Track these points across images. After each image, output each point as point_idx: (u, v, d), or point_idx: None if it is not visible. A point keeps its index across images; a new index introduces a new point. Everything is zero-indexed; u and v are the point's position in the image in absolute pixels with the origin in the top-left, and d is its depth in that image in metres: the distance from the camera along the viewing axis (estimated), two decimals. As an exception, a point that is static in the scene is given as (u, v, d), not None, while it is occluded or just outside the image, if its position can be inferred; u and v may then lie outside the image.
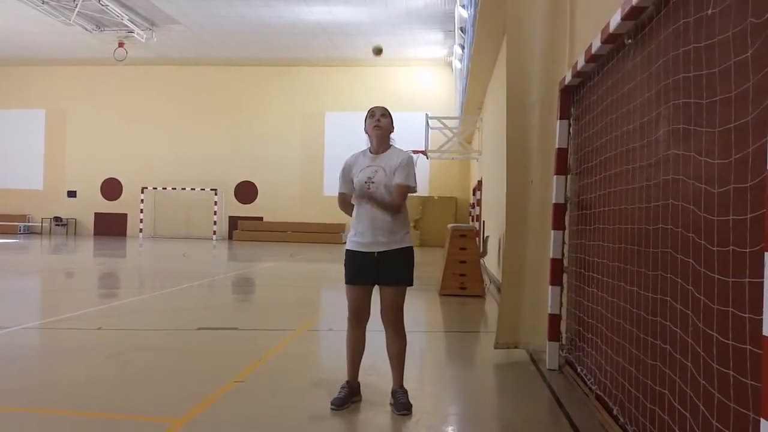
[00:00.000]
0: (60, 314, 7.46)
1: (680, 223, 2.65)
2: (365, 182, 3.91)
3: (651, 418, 2.94)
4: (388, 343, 4.01)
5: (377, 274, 3.89)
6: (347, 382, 4.00)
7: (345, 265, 3.98)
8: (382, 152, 3.99)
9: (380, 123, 3.96)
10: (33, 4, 20.52)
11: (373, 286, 3.96)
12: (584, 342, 4.39)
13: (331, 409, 3.82)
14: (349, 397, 3.93)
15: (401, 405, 3.81)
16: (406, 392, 3.93)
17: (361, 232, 3.92)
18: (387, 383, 4.07)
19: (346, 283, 3.97)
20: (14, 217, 29.62)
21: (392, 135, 4.07)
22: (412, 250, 4.00)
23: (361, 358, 4.05)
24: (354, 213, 3.99)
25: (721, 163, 2.28)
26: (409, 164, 3.92)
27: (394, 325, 3.96)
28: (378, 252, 3.87)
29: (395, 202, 3.88)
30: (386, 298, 3.93)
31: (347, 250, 4.00)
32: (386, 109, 4.06)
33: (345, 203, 4.12)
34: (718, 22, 2.31)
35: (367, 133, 4.02)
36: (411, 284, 3.98)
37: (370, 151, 4.03)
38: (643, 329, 3.08)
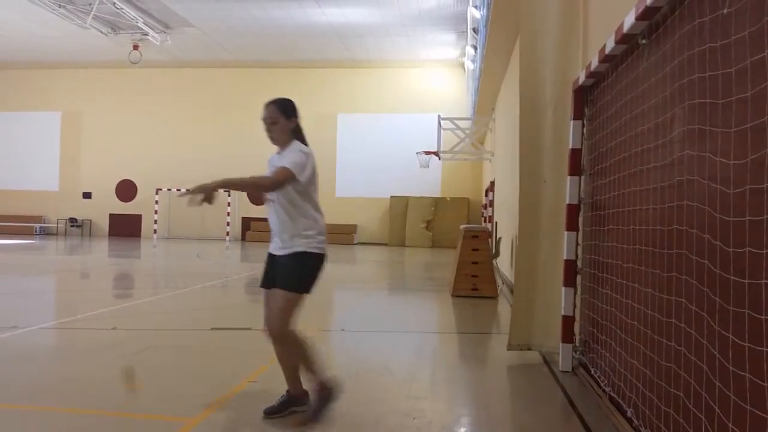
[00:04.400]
0: (76, 314, 7.53)
1: (695, 225, 2.63)
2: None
3: (665, 421, 2.92)
4: (275, 350, 3.72)
5: (273, 277, 3.64)
6: (287, 390, 3.78)
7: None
8: (284, 150, 3.67)
9: (270, 134, 3.67)
10: (49, 8, 20.74)
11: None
12: (598, 344, 4.37)
13: (263, 417, 3.67)
14: (285, 407, 3.73)
15: (270, 408, 3.71)
16: (286, 396, 3.76)
17: (271, 233, 3.68)
18: (400, 384, 4.08)
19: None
20: (30, 218, 29.95)
21: (292, 128, 3.70)
22: (307, 256, 3.55)
23: (290, 364, 3.75)
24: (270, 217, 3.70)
25: (736, 163, 2.26)
26: (292, 151, 3.57)
27: (272, 336, 3.60)
28: (277, 255, 3.64)
29: (262, 178, 3.52)
30: (270, 302, 3.62)
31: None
32: (276, 108, 3.67)
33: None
34: (734, 21, 2.30)
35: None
36: (294, 290, 3.53)
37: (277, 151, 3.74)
38: (658, 331, 3.06)
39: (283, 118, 3.67)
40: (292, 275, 3.53)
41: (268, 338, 3.62)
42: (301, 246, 3.55)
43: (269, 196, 3.61)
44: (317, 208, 3.71)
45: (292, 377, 3.76)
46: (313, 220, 3.63)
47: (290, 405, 3.74)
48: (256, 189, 3.66)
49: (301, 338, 3.64)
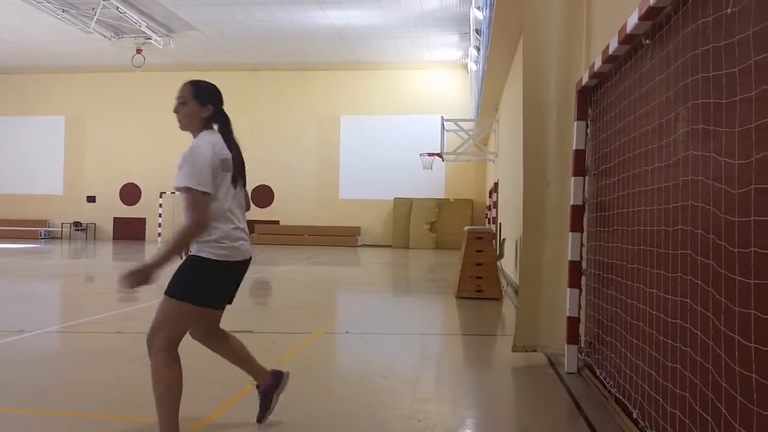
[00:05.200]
0: (81, 318, 7.55)
1: (700, 225, 2.62)
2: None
3: (671, 422, 2.91)
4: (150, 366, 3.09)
5: None
6: (256, 385, 3.64)
7: None
8: (193, 139, 3.19)
9: (178, 115, 3.24)
10: (53, 12, 20.84)
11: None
12: (603, 345, 4.36)
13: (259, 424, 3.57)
14: (266, 403, 3.62)
15: None
16: (259, 390, 3.61)
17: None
18: (404, 386, 4.07)
19: None
20: (35, 222, 30.06)
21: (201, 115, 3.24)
22: (198, 260, 3.07)
23: (241, 358, 3.54)
24: None
25: (741, 163, 2.25)
26: (187, 158, 3.01)
27: (148, 340, 3.10)
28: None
29: (185, 225, 2.93)
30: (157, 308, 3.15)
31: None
32: (188, 89, 3.21)
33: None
34: (738, 21, 2.29)
35: None
36: (177, 297, 3.04)
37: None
38: (663, 332, 3.05)
39: (194, 102, 3.16)
40: (173, 280, 3.06)
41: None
42: (194, 249, 3.07)
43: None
44: (221, 211, 3.12)
45: (249, 369, 3.52)
46: (213, 226, 3.05)
47: (270, 395, 3.59)
48: (190, 240, 3.02)
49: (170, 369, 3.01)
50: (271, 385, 3.64)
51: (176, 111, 3.20)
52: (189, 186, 2.93)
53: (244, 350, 3.59)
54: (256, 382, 3.66)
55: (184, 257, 3.08)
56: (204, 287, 3.08)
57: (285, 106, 29.09)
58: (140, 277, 2.84)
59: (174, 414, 3.01)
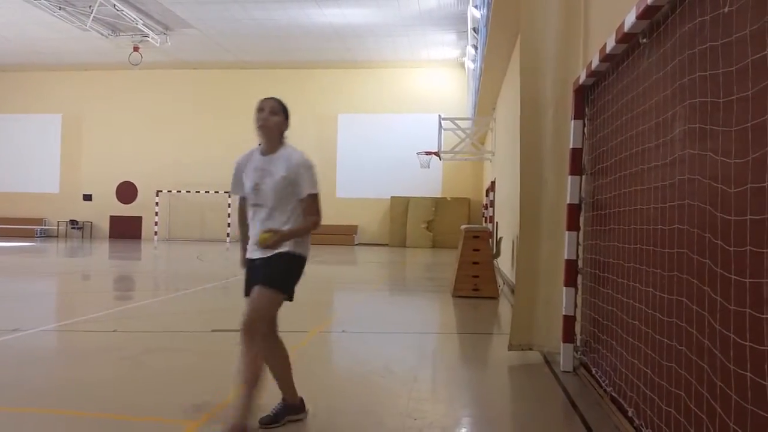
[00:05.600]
0: (76, 317, 7.53)
1: (696, 224, 2.62)
2: (253, 188, 3.48)
3: (666, 421, 2.91)
4: (242, 352, 3.46)
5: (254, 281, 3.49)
6: (282, 399, 3.65)
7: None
8: (273, 153, 3.52)
9: (267, 123, 3.48)
10: (50, 10, 20.78)
11: None
12: (599, 343, 4.36)
13: (259, 427, 3.49)
14: (281, 416, 3.58)
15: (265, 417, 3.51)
16: (283, 402, 3.64)
17: (252, 239, 3.52)
18: (401, 385, 4.07)
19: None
20: (31, 221, 29.99)
21: (286, 133, 3.60)
22: (292, 257, 3.45)
23: (283, 371, 3.63)
24: (250, 221, 3.57)
25: (737, 162, 2.25)
26: (308, 169, 3.48)
27: (246, 326, 3.44)
28: (259, 259, 3.47)
29: (314, 220, 3.48)
30: (251, 297, 3.48)
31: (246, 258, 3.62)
32: (278, 104, 3.54)
33: (241, 209, 3.69)
34: (735, 20, 2.29)
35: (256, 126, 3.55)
36: (277, 288, 3.42)
37: (260, 151, 3.58)
38: (659, 330, 3.06)
39: (282, 115, 3.55)
40: (274, 272, 3.42)
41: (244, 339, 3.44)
42: (286, 246, 3.44)
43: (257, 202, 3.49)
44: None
45: (285, 385, 3.63)
46: (294, 224, 3.51)
47: (286, 414, 3.60)
48: (308, 234, 3.54)
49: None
50: (293, 406, 3.65)
51: (267, 120, 3.49)
52: (315, 192, 3.50)
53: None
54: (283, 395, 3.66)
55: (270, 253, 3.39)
56: (295, 281, 3.52)
57: (282, 104, 29.06)
58: (279, 239, 3.33)
59: (289, 378, 3.61)
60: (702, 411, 2.50)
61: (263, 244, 3.32)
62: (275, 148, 3.54)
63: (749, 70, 2.17)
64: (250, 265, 3.55)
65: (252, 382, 3.33)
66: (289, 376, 3.65)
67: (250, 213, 3.56)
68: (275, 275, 3.41)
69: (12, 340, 5.96)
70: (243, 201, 3.70)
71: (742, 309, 2.17)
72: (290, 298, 3.51)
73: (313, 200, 3.49)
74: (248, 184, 3.53)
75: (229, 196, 28.69)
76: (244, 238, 3.68)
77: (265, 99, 3.56)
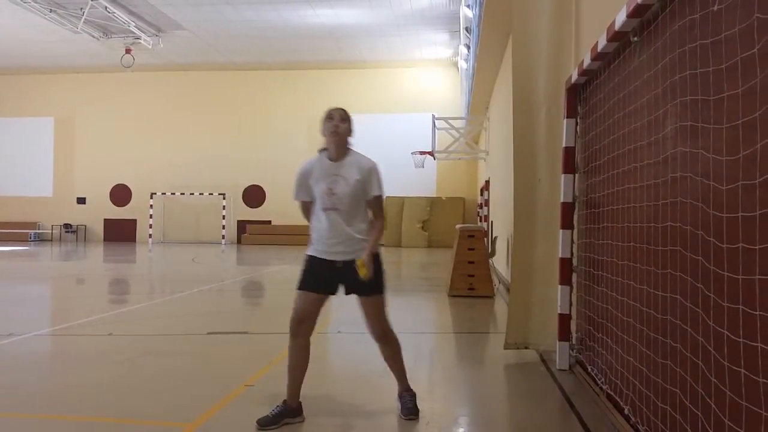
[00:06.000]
0: (71, 320, 7.50)
1: (689, 221, 2.63)
2: (325, 193, 3.68)
3: (662, 418, 2.92)
4: (381, 353, 3.92)
5: (342, 284, 3.73)
6: (284, 401, 3.70)
7: (304, 270, 3.77)
8: (342, 159, 3.74)
9: (339, 129, 3.71)
10: (41, 13, 20.70)
11: (329, 296, 3.78)
12: (594, 341, 4.38)
13: (256, 428, 3.55)
14: (280, 417, 3.62)
15: (407, 409, 3.75)
16: (413, 396, 3.85)
17: (325, 241, 3.70)
18: (397, 384, 4.06)
19: (299, 288, 3.74)
20: (25, 225, 29.87)
21: (350, 139, 3.83)
22: (379, 257, 3.77)
23: (302, 373, 3.76)
24: (318, 219, 3.75)
25: (729, 160, 2.26)
26: (377, 172, 3.76)
27: (380, 336, 3.83)
28: (344, 262, 3.67)
29: (381, 222, 3.80)
30: (367, 312, 3.78)
31: (310, 255, 3.78)
32: (345, 112, 3.81)
33: (306, 210, 3.88)
34: (725, 18, 2.30)
35: (324, 136, 3.77)
36: (383, 291, 3.80)
37: (328, 157, 3.77)
38: (654, 328, 3.07)
39: (350, 123, 3.82)
40: (377, 278, 3.73)
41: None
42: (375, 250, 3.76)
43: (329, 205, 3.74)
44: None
45: (401, 373, 3.89)
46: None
47: (284, 416, 3.64)
48: (382, 233, 3.83)
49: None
50: (293, 409, 3.72)
51: (338, 127, 3.73)
52: (381, 194, 3.76)
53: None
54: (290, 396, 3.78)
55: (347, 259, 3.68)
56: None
57: (275, 105, 29.04)
58: (370, 260, 3.61)
59: (299, 383, 3.79)
60: (697, 408, 2.52)
61: (367, 278, 3.61)
62: (343, 154, 3.76)
63: (739, 67, 2.18)
64: (329, 266, 3.71)
65: (401, 360, 3.89)
66: (301, 380, 3.75)
67: (320, 216, 3.73)
68: (377, 283, 3.73)
69: (6, 344, 5.94)
70: (305, 204, 3.88)
71: (735, 306, 2.18)
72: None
73: (379, 201, 3.78)
74: (319, 188, 3.72)
75: (224, 198, 28.67)
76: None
77: (332, 108, 3.82)
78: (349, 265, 3.65)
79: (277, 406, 3.67)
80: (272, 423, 3.58)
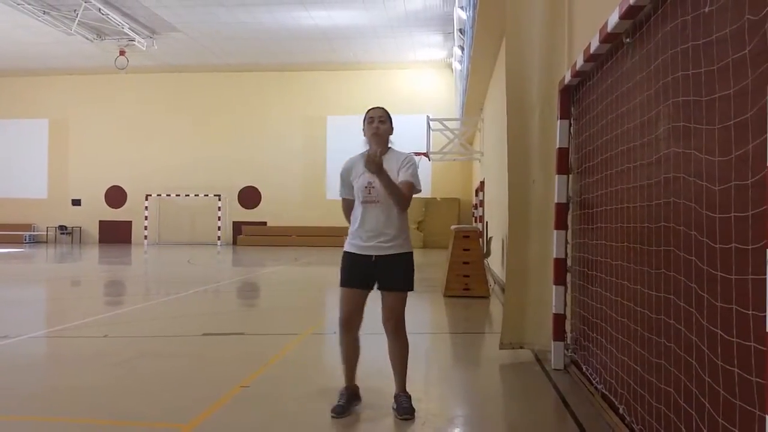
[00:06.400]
0: (66, 322, 7.48)
1: (682, 221, 2.65)
2: (365, 187, 3.83)
3: (657, 417, 2.94)
4: (390, 348, 3.96)
5: (375, 278, 3.85)
6: (345, 387, 3.95)
7: (342, 267, 3.93)
8: (382, 155, 3.85)
9: (379, 130, 3.89)
10: (34, 14, 20.63)
11: (369, 290, 3.91)
12: (589, 341, 4.39)
13: (332, 417, 3.77)
14: (350, 404, 3.89)
15: (403, 409, 3.78)
16: (409, 397, 3.89)
17: (361, 235, 3.85)
18: (392, 385, 4.06)
19: (341, 285, 3.92)
20: (19, 227, 29.74)
21: (391, 137, 3.99)
22: (412, 256, 3.94)
23: (356, 362, 3.99)
24: (354, 215, 3.92)
25: (721, 160, 2.28)
26: (412, 164, 3.87)
27: (393, 330, 3.90)
28: (377, 256, 3.80)
29: (404, 192, 3.78)
30: (387, 304, 3.87)
31: (346, 252, 3.93)
32: (385, 112, 3.97)
33: (348, 208, 4.04)
34: (716, 19, 2.32)
35: (365, 136, 3.95)
36: (411, 289, 3.91)
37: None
38: (648, 328, 3.08)
39: (390, 122, 3.97)
40: (407, 276, 3.89)
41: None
42: (406, 247, 3.92)
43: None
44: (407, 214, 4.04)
45: (403, 375, 3.95)
46: (407, 222, 4.01)
47: (353, 401, 3.92)
48: (397, 198, 3.76)
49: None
50: (355, 393, 4.01)
51: (379, 127, 3.90)
52: (415, 183, 3.82)
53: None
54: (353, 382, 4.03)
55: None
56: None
57: (270, 107, 29.00)
58: (379, 171, 3.62)
59: (354, 370, 4.01)
60: (691, 407, 2.53)
61: (372, 168, 3.61)
62: (384, 151, 3.88)
63: (730, 68, 2.20)
64: (365, 261, 3.83)
65: (407, 357, 3.94)
66: (355, 368, 3.99)
67: (358, 210, 3.88)
68: (407, 281, 3.88)
69: (1, 346, 5.92)
70: (346, 202, 4.06)
71: (728, 305, 2.19)
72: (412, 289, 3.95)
73: (409, 186, 3.79)
74: (359, 183, 3.87)
75: (219, 199, 28.63)
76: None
77: (373, 108, 3.99)
78: (383, 260, 3.79)
79: (342, 394, 3.91)
80: (346, 409, 3.82)
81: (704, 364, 2.40)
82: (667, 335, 2.82)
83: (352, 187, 3.94)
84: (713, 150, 2.35)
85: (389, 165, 3.81)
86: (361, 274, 3.86)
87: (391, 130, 3.97)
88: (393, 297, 3.86)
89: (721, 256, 2.27)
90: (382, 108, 4.00)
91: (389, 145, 3.97)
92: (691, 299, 2.54)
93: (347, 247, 3.93)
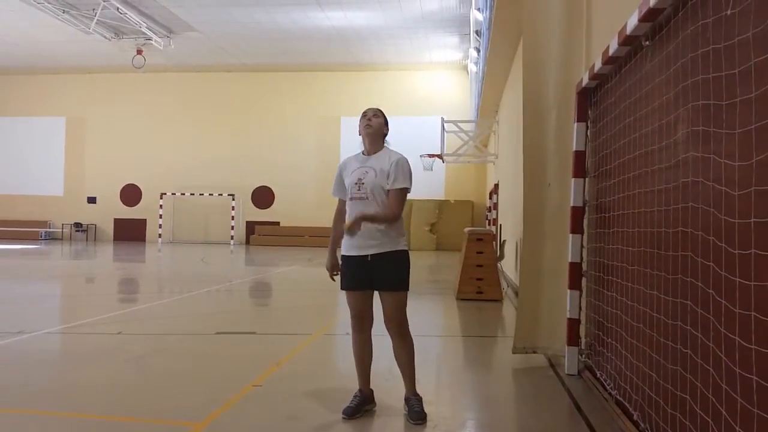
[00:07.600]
0: (81, 319, 7.55)
1: (700, 226, 2.62)
2: (355, 183, 3.82)
3: (672, 424, 2.90)
4: (395, 350, 3.93)
5: (372, 278, 3.82)
6: (360, 390, 3.94)
7: (342, 272, 3.92)
8: (374, 153, 3.91)
9: (371, 123, 3.88)
10: (54, 13, 20.86)
11: (372, 290, 3.88)
12: (604, 346, 4.35)
13: (342, 418, 3.75)
14: (362, 406, 3.86)
15: (415, 414, 3.74)
16: (420, 400, 3.85)
17: (355, 236, 3.80)
18: (404, 387, 4.05)
19: (342, 289, 3.92)
20: (35, 223, 30.07)
21: (387, 138, 3.99)
22: (407, 254, 3.90)
23: (369, 364, 3.98)
24: (347, 216, 3.87)
25: (741, 165, 2.25)
26: (401, 165, 3.83)
27: (396, 332, 3.87)
28: (372, 255, 3.77)
29: (392, 211, 3.77)
30: (386, 305, 3.84)
31: (343, 255, 3.91)
32: (379, 110, 3.99)
33: (339, 211, 4.02)
34: (738, 22, 2.29)
35: (360, 135, 3.95)
36: (407, 289, 3.88)
37: (363, 153, 3.96)
38: (664, 333, 3.05)
39: (383, 118, 3.96)
40: (401, 275, 3.86)
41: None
42: (401, 244, 3.88)
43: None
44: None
45: (412, 377, 3.91)
46: (402, 221, 3.94)
47: (364, 404, 3.89)
48: (387, 222, 3.78)
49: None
50: (368, 396, 3.97)
51: (371, 121, 3.90)
52: (406, 187, 3.82)
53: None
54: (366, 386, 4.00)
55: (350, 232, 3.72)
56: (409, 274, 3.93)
57: (285, 107, 29.11)
58: (364, 220, 3.68)
59: (369, 372, 4.00)
60: (708, 414, 2.50)
61: (348, 232, 3.70)
62: (377, 149, 3.92)
63: (752, 72, 2.17)
64: (361, 262, 3.80)
65: (413, 359, 3.92)
66: (368, 370, 3.97)
67: (350, 208, 3.85)
68: (401, 280, 3.84)
69: (16, 342, 5.98)
70: (341, 204, 4.03)
71: (747, 312, 2.16)
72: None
73: (397, 194, 3.79)
74: (349, 180, 3.86)
75: (233, 199, 28.76)
76: (335, 241, 4.05)
77: (367, 108, 4.00)
78: (378, 258, 3.76)
79: (355, 396, 3.89)
80: (356, 411, 3.80)
81: (721, 372, 2.37)
82: (683, 341, 2.79)
83: (344, 185, 3.94)
84: (733, 154, 2.32)
85: (379, 162, 3.84)
86: (360, 275, 3.83)
87: (384, 128, 3.96)
88: (390, 297, 3.83)
89: (739, 262, 2.24)
90: (377, 108, 4.03)
91: (384, 145, 3.96)
92: (708, 305, 2.51)
93: (344, 250, 3.91)
